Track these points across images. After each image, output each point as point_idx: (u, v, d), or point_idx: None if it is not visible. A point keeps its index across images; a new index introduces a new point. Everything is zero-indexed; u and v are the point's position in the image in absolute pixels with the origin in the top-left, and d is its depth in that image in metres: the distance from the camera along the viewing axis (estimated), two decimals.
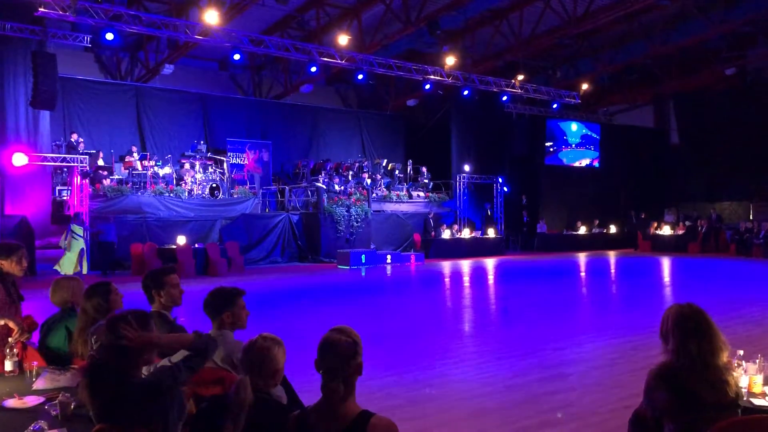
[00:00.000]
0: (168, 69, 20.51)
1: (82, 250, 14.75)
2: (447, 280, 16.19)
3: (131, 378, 2.68)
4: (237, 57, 17.80)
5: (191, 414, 3.11)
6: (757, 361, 3.52)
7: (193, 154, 19.69)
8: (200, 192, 18.76)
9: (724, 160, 27.01)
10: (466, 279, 16.47)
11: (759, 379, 3.36)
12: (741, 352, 3.74)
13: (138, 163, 18.37)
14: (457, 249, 21.93)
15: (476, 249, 22.37)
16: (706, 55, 24.94)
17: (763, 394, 3.28)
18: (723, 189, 27.62)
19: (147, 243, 16.36)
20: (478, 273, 17.82)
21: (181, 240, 16.64)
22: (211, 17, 16.24)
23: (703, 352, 2.76)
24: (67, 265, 14.46)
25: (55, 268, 14.50)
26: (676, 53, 24.09)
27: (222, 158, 20.49)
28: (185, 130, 21.42)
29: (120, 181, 17.81)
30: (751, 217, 25.51)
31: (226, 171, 20.19)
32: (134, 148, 19.09)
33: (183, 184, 18.56)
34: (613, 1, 19.41)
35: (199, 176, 19.00)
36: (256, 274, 16.49)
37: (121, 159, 18.92)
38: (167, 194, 17.88)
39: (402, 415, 5.17)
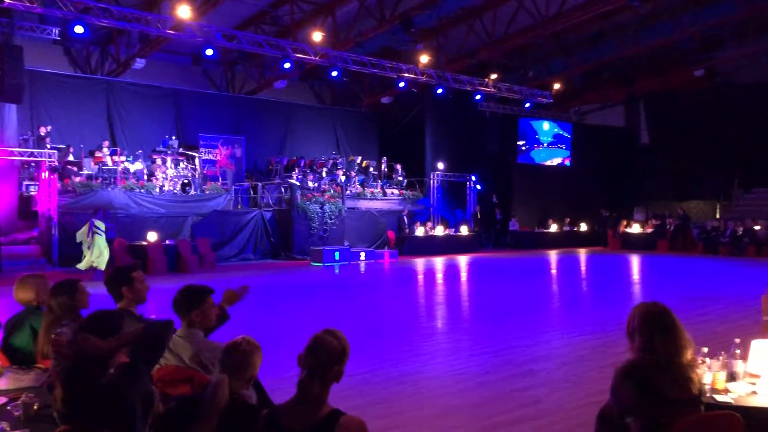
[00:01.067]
0: (139, 63, 20.23)
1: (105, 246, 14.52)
2: (420, 277, 16.24)
3: (100, 380, 2.64)
4: (210, 52, 17.62)
5: (159, 413, 3.08)
6: (721, 358, 3.60)
7: (164, 149, 19.46)
8: (171, 188, 18.55)
9: (692, 160, 27.52)
10: (440, 276, 16.54)
11: (722, 375, 3.43)
12: (705, 350, 3.82)
13: (108, 158, 18.09)
14: (431, 246, 22.01)
15: (450, 246, 22.47)
16: (676, 57, 25.35)
17: (726, 391, 3.35)
18: (691, 188, 28.12)
19: (117, 239, 16.14)
20: (451, 270, 17.91)
21: (152, 236, 16.44)
22: (184, 12, 16.07)
23: (668, 349, 2.81)
24: (87, 262, 14.25)
25: (78, 267, 14.24)
26: (647, 54, 24.44)
27: (194, 154, 20.28)
28: (157, 126, 21.16)
29: (90, 177, 17.52)
30: (717, 216, 26.00)
31: (198, 167, 19.99)
32: (105, 143, 18.79)
33: (154, 180, 18.34)
34: (585, 2, 19.64)
35: (170, 172, 18.78)
36: (227, 272, 16.37)
37: (91, 154, 18.61)
38: (138, 190, 17.65)
39: (374, 413, 5.18)
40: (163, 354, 3.01)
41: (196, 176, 19.56)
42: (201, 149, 21.14)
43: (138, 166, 18.62)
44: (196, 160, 20.08)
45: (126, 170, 18.19)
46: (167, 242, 16.70)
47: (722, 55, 24.72)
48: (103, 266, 14.22)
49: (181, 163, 19.39)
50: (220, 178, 20.69)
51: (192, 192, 18.88)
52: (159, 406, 3.16)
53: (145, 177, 18.42)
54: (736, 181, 27.43)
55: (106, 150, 18.35)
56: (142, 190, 17.71)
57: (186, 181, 18.83)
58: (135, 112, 20.89)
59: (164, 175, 18.54)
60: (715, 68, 26.75)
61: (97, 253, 14.23)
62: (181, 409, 2.84)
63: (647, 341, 2.86)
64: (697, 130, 27.17)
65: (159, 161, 18.82)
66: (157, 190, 18.09)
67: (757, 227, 21.52)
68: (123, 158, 18.39)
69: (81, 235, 14.42)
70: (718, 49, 24.69)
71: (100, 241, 14.33)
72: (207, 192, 19.30)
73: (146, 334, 2.81)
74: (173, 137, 20.19)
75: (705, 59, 24.99)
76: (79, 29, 15.53)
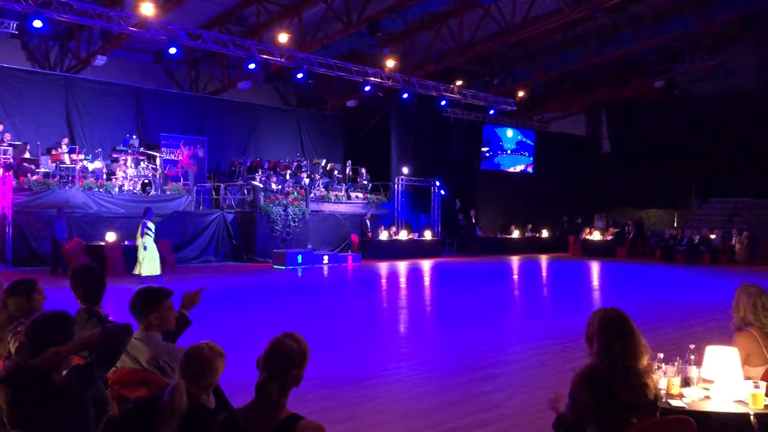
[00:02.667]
0: (100, 60, 19.84)
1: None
2: (383, 281, 16.24)
3: (51, 383, 2.56)
4: (173, 51, 17.36)
5: (114, 416, 3.01)
6: (676, 363, 3.66)
7: (125, 148, 19.09)
8: (131, 188, 18.23)
9: (651, 169, 28.16)
10: (402, 280, 16.56)
11: (677, 381, 3.50)
12: (661, 355, 3.88)
13: (66, 156, 17.69)
14: (395, 250, 22.04)
15: (413, 251, 22.54)
16: (636, 68, 25.92)
17: (681, 396, 3.41)
18: (650, 197, 28.75)
19: (74, 239, 15.77)
20: (414, 274, 17.95)
21: (111, 237, 16.10)
22: (147, 9, 15.81)
23: (625, 355, 2.85)
24: (148, 266, 13.82)
25: (135, 273, 13.83)
26: (609, 64, 24.92)
27: (155, 153, 19.96)
28: (117, 124, 20.75)
29: (47, 175, 17.11)
30: (675, 225, 26.60)
31: (159, 167, 19.68)
32: (64, 141, 18.36)
33: (114, 179, 17.99)
34: (550, 11, 19.96)
35: (130, 171, 18.45)
36: (188, 274, 16.13)
37: (49, 152, 18.17)
38: (97, 189, 17.29)
39: (334, 416, 5.16)
40: (119, 358, 2.94)
41: (157, 176, 19.25)
42: (162, 149, 20.83)
43: (97, 164, 18.25)
44: (158, 160, 19.76)
45: (85, 169, 17.81)
46: (126, 243, 16.38)
47: (681, 67, 25.37)
48: (157, 270, 13.85)
49: (141, 163, 19.05)
50: (182, 179, 20.41)
51: (152, 192, 18.57)
52: (114, 408, 3.09)
53: (105, 176, 18.08)
54: (693, 190, 28.16)
55: (64, 148, 17.94)
56: (101, 190, 17.36)
57: (146, 181, 18.51)
58: (95, 109, 20.47)
59: (124, 175, 18.21)
60: (673, 80, 27.45)
61: (145, 256, 13.81)
62: (138, 411, 2.78)
63: (605, 347, 2.90)
64: (656, 140, 27.84)
65: (120, 160, 18.47)
66: (117, 189, 17.76)
67: (712, 236, 22.07)
68: (82, 156, 18.00)
69: (138, 238, 13.99)
70: (677, 61, 25.33)
71: (149, 242, 13.90)
72: (168, 192, 19.01)
73: (104, 339, 2.74)
74: (134, 136, 19.82)
75: (664, 71, 25.62)
76: (37, 24, 15.12)
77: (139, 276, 13.65)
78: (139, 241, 13.92)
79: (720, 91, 27.01)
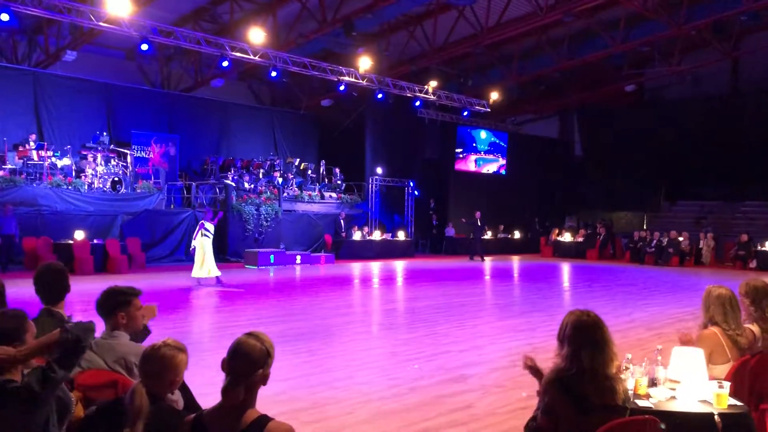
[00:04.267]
0: (70, 55, 19.51)
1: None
2: (356, 281, 16.22)
3: (7, 385, 2.50)
4: (145, 47, 17.11)
5: (78, 418, 2.96)
6: (644, 364, 3.71)
7: (94, 145, 18.77)
8: (101, 185, 17.95)
9: (622, 172, 28.52)
10: (375, 281, 16.56)
11: (644, 381, 3.54)
12: (629, 356, 3.93)
13: (34, 152, 17.36)
14: (368, 250, 22.04)
15: (386, 251, 22.57)
16: (608, 72, 26.24)
17: (647, 396, 3.46)
18: (621, 199, 29.12)
19: (41, 237, 15.51)
20: (387, 275, 17.96)
21: (79, 235, 15.86)
22: (119, 5, 15.56)
23: (595, 362, 2.89)
24: (201, 269, 13.46)
25: (194, 276, 13.52)
26: (581, 68, 25.20)
27: (126, 151, 19.67)
28: (87, 121, 20.40)
29: (13, 171, 16.77)
30: (645, 227, 27.00)
31: (129, 164, 19.40)
32: (31, 137, 18.00)
33: (83, 177, 17.70)
34: (523, 15, 20.13)
35: (100, 169, 18.16)
36: (157, 273, 15.96)
37: (15, 148, 17.81)
38: (65, 186, 17.00)
39: (305, 417, 5.15)
40: (81, 358, 2.88)
41: (128, 174, 18.98)
42: (133, 146, 20.55)
43: (66, 161, 17.95)
44: (128, 158, 19.48)
45: (53, 166, 17.51)
46: (95, 241, 16.16)
47: (651, 72, 25.76)
48: (213, 272, 13.55)
49: (112, 160, 18.77)
50: (153, 177, 20.17)
51: (123, 190, 18.32)
52: (79, 410, 3.04)
53: (74, 173, 17.78)
54: (662, 193, 28.62)
55: (32, 144, 17.60)
56: (70, 187, 17.08)
57: (117, 178, 18.25)
58: (64, 105, 20.09)
59: (94, 172, 17.93)
60: (644, 84, 27.87)
61: (201, 258, 13.48)
62: (102, 413, 2.74)
63: (574, 352, 2.93)
64: (627, 143, 28.22)
65: (90, 157, 18.18)
66: (86, 187, 17.48)
67: (680, 238, 22.45)
68: (50, 153, 17.68)
69: (194, 240, 13.68)
70: (648, 66, 25.72)
71: (207, 244, 13.56)
72: (138, 191, 18.78)
73: (64, 339, 2.68)
74: (104, 133, 19.50)
75: (635, 75, 25.98)
76: (4, 17, 14.77)
77: (196, 278, 13.51)
78: (194, 243, 13.63)
79: (689, 96, 27.49)
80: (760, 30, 22.65)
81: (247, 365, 2.34)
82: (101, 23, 15.98)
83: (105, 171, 18.23)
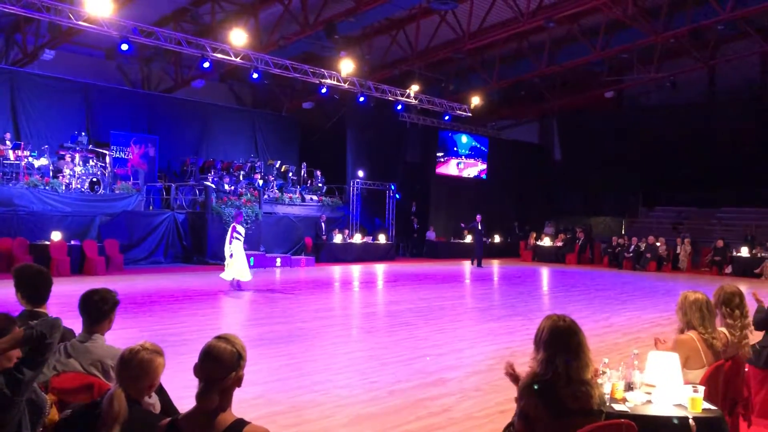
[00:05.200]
0: (48, 54, 19.28)
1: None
2: (336, 284, 16.19)
3: None
4: (125, 47, 16.95)
5: (53, 422, 2.92)
6: (620, 368, 3.75)
7: (72, 145, 18.54)
8: (79, 186, 17.74)
9: (600, 178, 28.80)
10: (356, 284, 16.56)
11: (621, 385, 3.57)
12: (606, 360, 3.97)
13: (10, 152, 17.10)
14: (348, 253, 22.03)
15: (367, 254, 22.57)
16: (588, 78, 26.50)
17: (624, 400, 3.49)
18: (600, 204, 29.42)
19: (17, 238, 15.28)
20: (367, 278, 17.96)
21: (56, 236, 15.66)
22: (99, 4, 15.41)
23: (570, 368, 2.91)
24: (234, 271, 13.31)
25: (222, 277, 13.41)
26: (561, 74, 25.43)
27: (104, 151, 19.47)
28: (65, 120, 20.15)
29: None
30: (623, 232, 27.28)
31: (108, 165, 19.20)
32: (7, 136, 17.75)
33: (60, 177, 17.47)
34: (505, 20, 20.27)
35: (78, 169, 17.95)
36: (136, 275, 15.81)
37: None
38: (42, 187, 16.77)
39: (283, 421, 5.13)
40: (48, 357, 2.84)
41: (106, 175, 18.78)
42: (112, 147, 20.35)
43: (43, 161, 17.70)
44: (107, 158, 19.28)
45: (30, 165, 17.27)
46: (72, 243, 15.96)
47: (630, 79, 26.06)
48: (246, 276, 13.42)
49: (90, 161, 18.56)
50: (132, 178, 19.97)
51: (101, 191, 18.13)
52: (54, 414, 3.00)
53: (51, 173, 17.54)
54: (640, 199, 28.93)
55: (8, 143, 17.35)
56: (47, 187, 16.86)
57: (95, 179, 18.05)
58: (42, 105, 19.83)
59: (72, 173, 17.72)
60: (623, 91, 28.17)
61: (232, 263, 13.35)
62: (77, 417, 2.71)
63: (550, 357, 2.96)
64: (605, 149, 28.49)
65: (67, 157, 17.97)
66: (63, 187, 17.27)
67: (658, 244, 22.70)
68: (27, 153, 17.45)
69: (228, 246, 13.48)
70: (627, 73, 26.00)
71: (237, 247, 13.40)
72: (117, 191, 18.58)
73: (28, 336, 2.63)
74: (83, 133, 19.27)
75: (615, 81, 26.26)
76: None
77: (226, 281, 13.42)
78: (228, 248, 13.43)
79: (668, 103, 27.85)
80: (736, 39, 23.02)
81: (219, 369, 2.31)
82: (80, 22, 15.81)
83: (83, 171, 18.03)
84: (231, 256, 13.33)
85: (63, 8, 15.52)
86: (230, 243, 13.35)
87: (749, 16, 20.27)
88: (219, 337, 2.41)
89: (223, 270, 13.67)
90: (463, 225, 24.38)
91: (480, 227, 22.05)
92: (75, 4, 15.88)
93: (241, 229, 13.64)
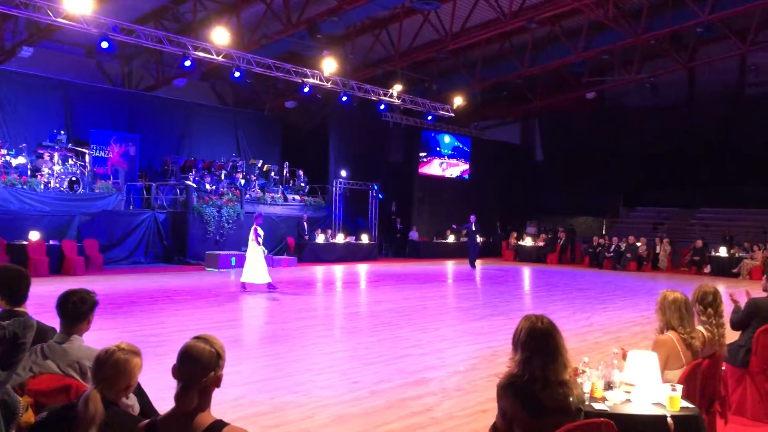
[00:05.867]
0: (26, 52, 19.01)
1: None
2: (319, 284, 16.16)
3: None
4: (105, 45, 16.78)
5: (28, 424, 2.89)
6: (600, 367, 3.78)
7: (51, 144, 18.29)
8: (58, 185, 17.53)
9: (581, 178, 29.03)
10: (338, 284, 16.54)
11: (600, 384, 3.60)
12: (586, 359, 4.00)
13: None
14: (331, 253, 21.98)
15: (350, 254, 22.54)
16: (569, 79, 26.69)
17: (603, 399, 3.51)
18: (581, 205, 29.65)
19: None
20: (350, 278, 17.94)
21: (34, 236, 15.46)
22: (78, 1, 15.23)
23: (546, 370, 2.93)
24: (260, 275, 13.25)
25: (248, 280, 13.28)
26: (543, 75, 25.59)
27: (84, 150, 19.25)
28: (44, 119, 19.88)
29: None
30: (604, 232, 27.50)
31: (87, 164, 19.00)
32: None
33: (39, 176, 17.26)
34: (488, 20, 20.35)
35: (57, 168, 17.72)
36: (115, 275, 15.67)
37: None
38: (20, 186, 16.55)
39: (264, 422, 5.11)
40: (22, 358, 2.79)
41: (86, 174, 18.57)
42: (92, 146, 20.13)
43: (21, 160, 17.47)
44: (86, 157, 19.07)
45: (7, 164, 17.04)
46: (51, 242, 15.77)
47: (611, 80, 26.29)
48: (263, 279, 13.33)
49: (69, 160, 18.34)
50: (112, 177, 19.78)
51: (80, 190, 17.92)
52: (30, 416, 2.96)
53: (29, 172, 17.32)
54: (621, 199, 29.20)
55: None
56: (25, 186, 16.64)
57: (74, 178, 17.85)
58: (20, 103, 19.55)
59: (50, 172, 17.51)
60: (604, 92, 28.41)
61: (262, 266, 13.30)
62: (53, 419, 2.67)
63: (527, 358, 2.97)
64: (587, 150, 28.75)
65: (46, 156, 17.75)
66: (42, 186, 17.06)
67: (638, 244, 22.91)
68: (5, 151, 17.22)
69: (257, 248, 13.42)
70: (608, 74, 26.24)
71: (259, 249, 13.37)
72: (97, 191, 18.39)
73: (0, 336, 2.58)
74: (62, 132, 19.01)
75: (596, 82, 26.47)
76: None
77: (254, 283, 13.40)
78: (257, 249, 13.41)
79: (648, 105, 28.15)
80: (715, 42, 23.32)
81: (197, 369, 2.29)
82: (59, 19, 15.63)
83: (62, 170, 17.81)
84: (262, 255, 13.43)
85: (41, 5, 15.32)
86: (259, 244, 13.39)
87: (727, 19, 20.58)
88: (197, 338, 2.39)
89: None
90: (455, 226, 24.41)
91: (474, 228, 21.47)
92: (54, 1, 15.67)
93: (260, 230, 13.64)
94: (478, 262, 21.48)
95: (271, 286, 13.42)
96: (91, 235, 17.18)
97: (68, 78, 20.81)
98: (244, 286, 13.40)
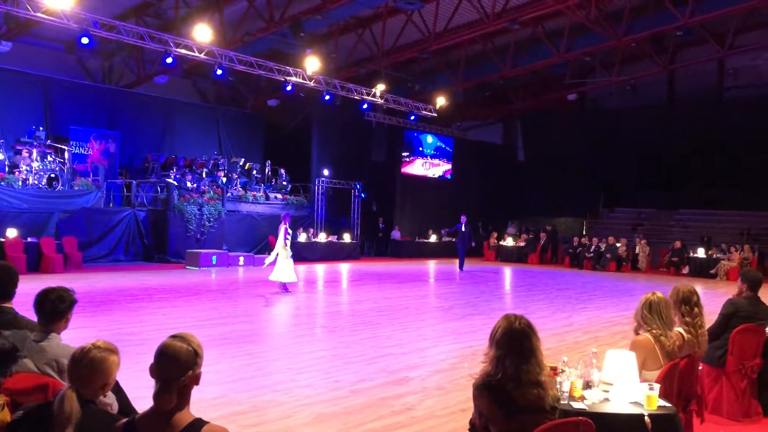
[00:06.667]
0: (5, 46, 18.76)
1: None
2: (300, 283, 16.11)
3: None
4: (85, 41, 16.57)
5: (4, 423, 2.86)
6: (579, 366, 3.81)
7: (30, 140, 18.06)
8: (36, 182, 17.32)
9: (562, 179, 29.27)
10: (320, 283, 16.51)
11: (579, 383, 3.63)
12: (565, 358, 4.03)
13: None
14: (313, 252, 21.93)
15: (331, 253, 22.51)
16: (551, 80, 26.86)
17: (582, 398, 3.55)
18: (561, 205, 29.86)
19: None
20: (332, 277, 17.92)
21: (11, 233, 15.27)
22: None
23: (519, 369, 2.96)
24: (289, 274, 13.24)
25: (279, 280, 13.28)
26: (525, 76, 25.73)
27: (63, 147, 19.02)
28: (22, 115, 19.58)
29: None
30: (584, 233, 27.72)
31: (67, 161, 18.78)
32: None
33: (17, 173, 17.04)
34: (470, 21, 20.43)
35: (35, 165, 17.50)
36: (95, 273, 15.52)
37: None
38: None
39: (244, 421, 5.09)
40: (12, 367, 2.78)
41: (65, 171, 18.37)
42: (71, 142, 19.92)
43: None
44: (66, 154, 18.85)
45: None
46: (29, 240, 15.59)
47: (592, 82, 26.51)
48: (290, 277, 13.35)
49: (48, 156, 18.11)
50: (92, 174, 19.57)
51: (59, 187, 17.71)
52: (6, 415, 2.93)
53: (7, 169, 17.09)
54: (601, 200, 29.46)
55: None
56: (3, 183, 16.43)
57: (53, 175, 17.63)
58: None
59: (28, 168, 17.29)
60: (586, 93, 28.64)
61: (283, 262, 13.23)
62: (29, 418, 2.65)
63: (500, 356, 3.00)
64: (568, 151, 28.97)
65: (24, 153, 17.52)
66: (20, 183, 16.84)
67: (618, 244, 23.12)
68: None
69: (286, 247, 13.38)
70: (589, 76, 26.46)
71: (285, 250, 13.32)
72: (76, 188, 18.19)
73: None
74: (41, 128, 18.77)
75: (577, 84, 26.68)
76: None
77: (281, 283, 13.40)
78: (285, 249, 13.37)
79: (628, 106, 28.41)
80: (694, 45, 23.61)
81: (175, 368, 2.29)
82: (39, 14, 15.41)
83: (41, 167, 17.59)
84: (289, 257, 13.46)
85: None
86: (285, 245, 13.37)
87: (706, 23, 20.85)
88: (174, 336, 2.38)
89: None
90: (444, 231, 24.37)
91: (464, 229, 20.65)
92: None
93: (289, 230, 13.70)
94: (458, 262, 21.48)
95: (284, 287, 13.48)
96: (70, 232, 17.00)
97: (47, 73, 20.56)
98: (285, 286, 13.49)
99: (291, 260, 13.48)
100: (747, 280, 5.80)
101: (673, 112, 27.75)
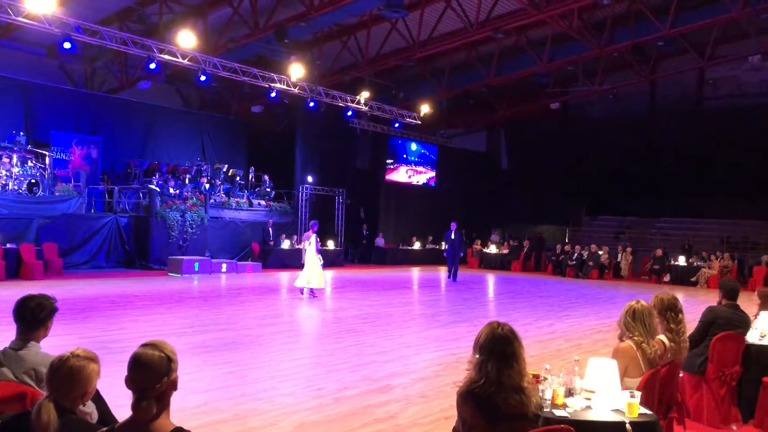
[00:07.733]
0: None
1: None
2: (283, 290, 16.06)
3: None
4: (68, 45, 16.44)
5: None
6: (561, 374, 3.83)
7: (10, 145, 17.83)
8: (16, 187, 17.12)
9: (545, 187, 29.46)
10: (303, 290, 16.41)
11: (561, 391, 3.65)
12: (548, 366, 4.05)
13: None
14: (296, 259, 21.75)
15: None
16: (535, 89, 27.05)
17: (564, 406, 3.56)
18: (544, 213, 30.06)
19: None
20: None
21: None
22: (40, 1, 14.91)
23: (501, 375, 2.97)
24: (318, 278, 13.60)
25: (307, 286, 13.61)
26: (509, 84, 25.90)
27: (44, 152, 18.83)
28: (2, 119, 19.28)
29: None
30: (566, 240, 27.89)
31: (48, 166, 18.59)
32: None
33: None
34: (455, 30, 20.55)
35: (15, 170, 17.30)
36: (75, 279, 15.34)
37: None
38: None
39: (226, 429, 5.06)
40: None
41: (46, 176, 18.17)
42: (53, 148, 19.70)
43: None
44: (47, 159, 18.66)
45: None
46: (8, 246, 15.39)
47: (575, 90, 26.74)
48: (319, 283, 13.66)
49: (29, 162, 17.92)
50: (73, 180, 19.37)
51: (40, 193, 17.52)
52: None
53: None
54: (584, 208, 29.68)
55: None
56: None
57: (33, 180, 17.43)
58: None
59: (8, 174, 17.08)
60: (568, 102, 28.88)
61: (311, 269, 13.49)
62: (7, 428, 2.61)
63: (483, 362, 3.02)
64: (551, 159, 29.18)
65: (4, 158, 17.31)
66: (0, 188, 16.64)
67: (600, 252, 23.29)
68: None
69: (316, 254, 13.59)
70: (572, 85, 26.69)
71: (314, 255, 13.62)
72: (57, 194, 17.99)
73: None
74: (21, 133, 18.55)
75: (560, 93, 26.89)
76: None
77: (311, 288, 13.70)
78: (316, 257, 13.67)
79: (610, 115, 28.68)
80: (675, 55, 23.90)
81: (150, 377, 2.27)
82: (20, 18, 15.26)
83: (21, 172, 17.40)
84: (321, 264, 13.83)
85: (1, 3, 14.94)
86: (318, 252, 13.74)
87: (687, 34, 21.13)
88: (145, 345, 2.37)
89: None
90: (432, 241, 24.42)
91: (454, 236, 19.52)
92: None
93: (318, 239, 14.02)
94: (442, 269, 21.50)
95: (312, 292, 13.81)
96: (51, 238, 16.81)
97: (28, 78, 20.34)
98: (312, 292, 13.80)
99: (321, 267, 13.90)
100: (724, 289, 5.89)
101: (655, 121, 28.06)
